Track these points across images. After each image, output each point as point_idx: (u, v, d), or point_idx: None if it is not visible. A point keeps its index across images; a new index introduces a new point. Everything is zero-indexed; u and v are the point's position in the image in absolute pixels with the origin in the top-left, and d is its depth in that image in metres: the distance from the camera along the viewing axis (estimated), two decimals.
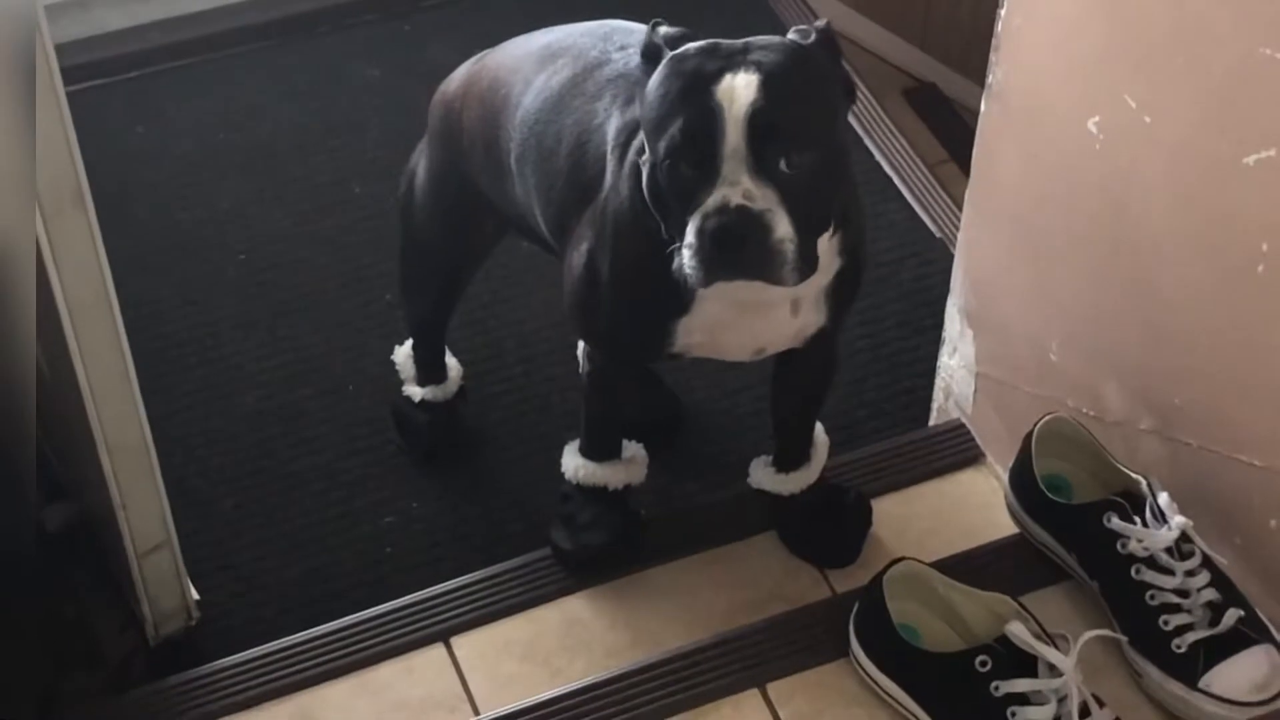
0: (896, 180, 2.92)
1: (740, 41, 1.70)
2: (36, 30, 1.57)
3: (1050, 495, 1.97)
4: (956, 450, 2.31)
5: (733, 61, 1.66)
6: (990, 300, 2.19)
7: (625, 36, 1.96)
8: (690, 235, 1.66)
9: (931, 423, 2.40)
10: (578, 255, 1.90)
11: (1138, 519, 1.89)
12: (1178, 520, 1.86)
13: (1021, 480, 2.02)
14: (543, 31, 2.08)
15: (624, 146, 1.83)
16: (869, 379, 2.59)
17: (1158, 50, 1.77)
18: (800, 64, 1.68)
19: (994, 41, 2.01)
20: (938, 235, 2.82)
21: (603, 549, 2.14)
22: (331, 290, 2.73)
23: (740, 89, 1.63)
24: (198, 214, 2.85)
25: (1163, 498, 1.88)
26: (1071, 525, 1.96)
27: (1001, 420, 2.24)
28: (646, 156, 1.73)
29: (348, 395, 2.58)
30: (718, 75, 1.64)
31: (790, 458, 2.15)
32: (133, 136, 2.97)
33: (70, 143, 1.71)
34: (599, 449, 2.14)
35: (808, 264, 1.68)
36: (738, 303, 1.81)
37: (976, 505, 2.24)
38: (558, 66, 1.97)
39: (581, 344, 2.11)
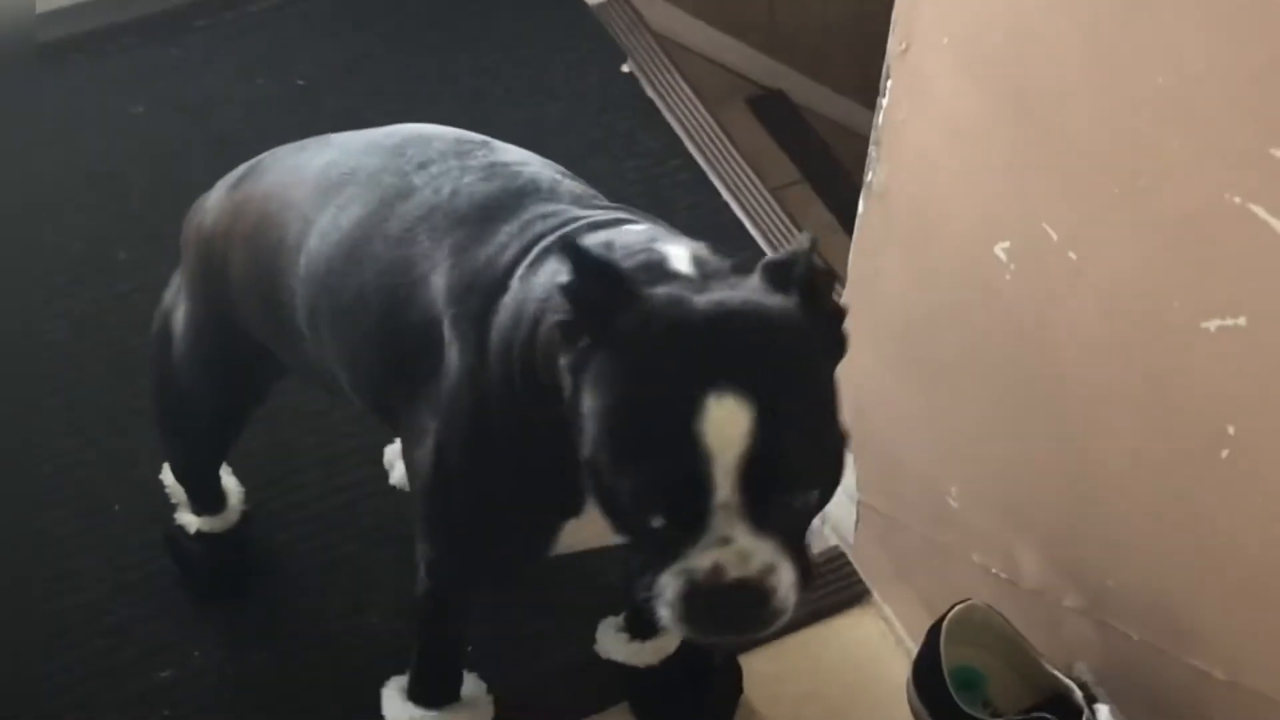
0: (736, 208, 2.57)
1: (712, 306, 1.25)
2: None
3: (966, 709, 1.63)
4: (838, 587, 2.03)
5: (714, 372, 1.22)
6: (872, 424, 1.85)
7: (422, 150, 1.56)
8: (669, 593, 1.27)
9: None
10: (424, 454, 1.51)
11: None
12: None
13: (929, 680, 1.68)
14: (316, 143, 1.68)
15: (477, 318, 1.43)
16: None
17: (1087, 175, 1.43)
18: (800, 361, 1.27)
19: (873, 134, 1.68)
20: None
21: None
22: (91, 383, 2.37)
23: (733, 428, 1.21)
24: None
25: (1102, 713, 1.56)
26: None
27: (889, 557, 1.93)
28: (568, 370, 1.29)
29: (113, 517, 2.23)
30: (699, 398, 1.21)
31: (646, 621, 1.79)
32: None
33: None
34: (437, 692, 1.81)
35: (805, 586, 1.30)
36: None
37: (863, 657, 1.98)
38: (344, 199, 1.57)
39: (422, 552, 1.64)
